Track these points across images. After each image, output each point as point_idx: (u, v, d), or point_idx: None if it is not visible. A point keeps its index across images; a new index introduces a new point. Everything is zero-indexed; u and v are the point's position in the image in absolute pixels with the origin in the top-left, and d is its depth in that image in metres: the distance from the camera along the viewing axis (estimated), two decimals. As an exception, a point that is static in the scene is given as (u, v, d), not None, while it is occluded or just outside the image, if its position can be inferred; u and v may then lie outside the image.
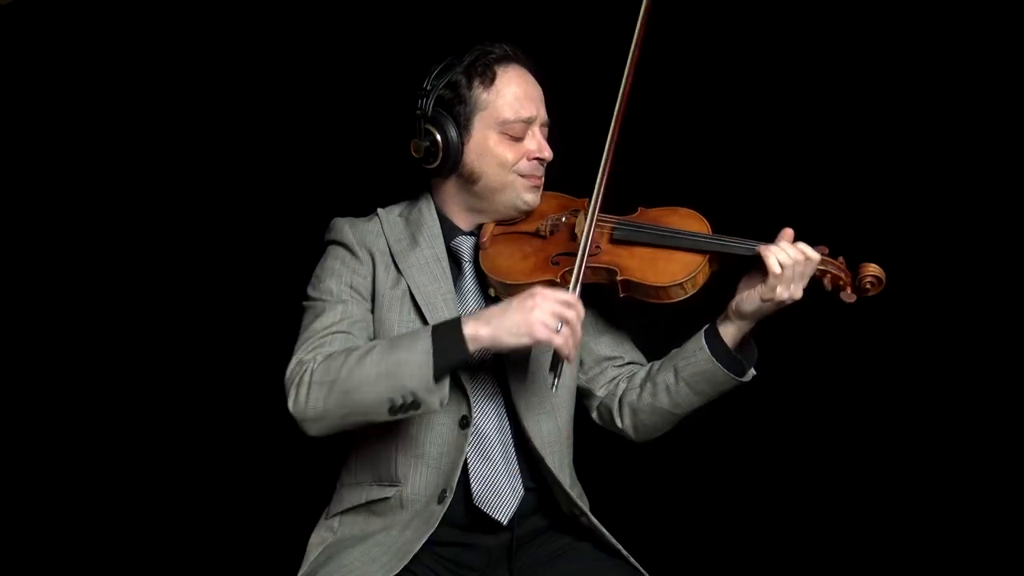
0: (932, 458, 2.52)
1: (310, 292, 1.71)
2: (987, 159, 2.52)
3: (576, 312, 1.52)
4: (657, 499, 2.58)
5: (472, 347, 1.51)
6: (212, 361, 2.59)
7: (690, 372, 1.69)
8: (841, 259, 1.65)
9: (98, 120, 2.57)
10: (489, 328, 1.51)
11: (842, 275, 1.62)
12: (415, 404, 1.52)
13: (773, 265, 1.59)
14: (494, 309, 1.54)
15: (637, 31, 1.68)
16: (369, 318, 1.69)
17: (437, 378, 1.51)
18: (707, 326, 1.70)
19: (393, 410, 1.52)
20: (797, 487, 2.58)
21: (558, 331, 1.50)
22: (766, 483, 2.60)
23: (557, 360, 1.57)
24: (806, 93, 2.60)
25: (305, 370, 1.56)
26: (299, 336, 1.66)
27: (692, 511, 2.60)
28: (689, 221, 1.72)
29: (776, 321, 1.69)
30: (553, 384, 1.57)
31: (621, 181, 1.73)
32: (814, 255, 1.60)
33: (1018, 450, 2.47)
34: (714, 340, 1.68)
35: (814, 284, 1.63)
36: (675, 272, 1.65)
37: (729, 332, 1.68)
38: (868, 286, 1.62)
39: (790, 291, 1.60)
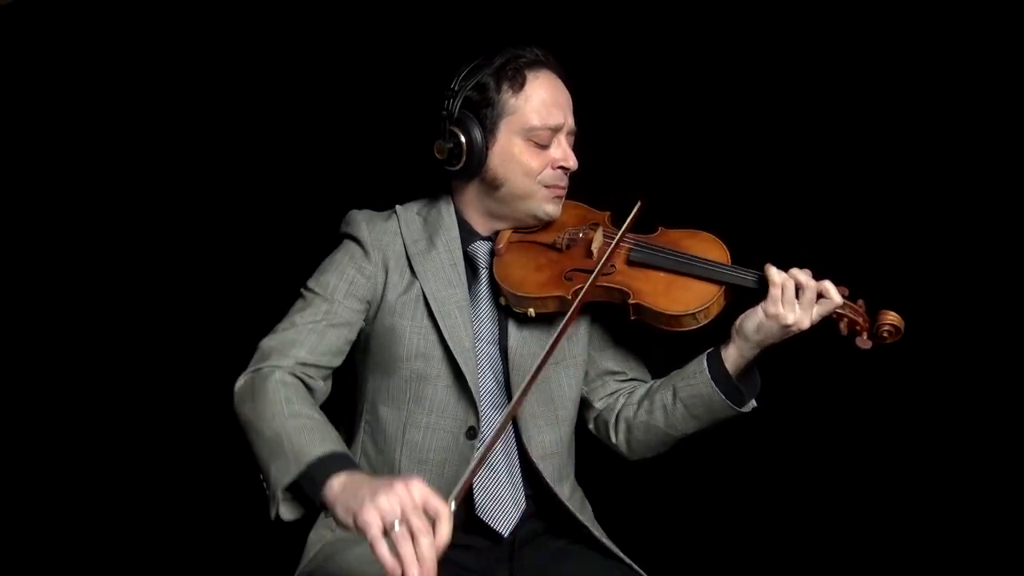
0: (931, 488, 2.49)
1: (309, 282, 1.69)
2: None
3: (433, 530, 1.22)
4: (659, 505, 2.58)
5: (322, 497, 1.34)
6: (216, 356, 2.51)
7: (688, 394, 1.67)
8: (861, 302, 1.61)
9: (100, 120, 2.51)
10: (338, 492, 1.32)
11: (860, 320, 1.58)
12: (266, 489, 1.43)
13: (772, 274, 1.57)
14: (365, 478, 1.33)
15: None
16: (356, 322, 1.67)
17: (290, 490, 1.39)
18: (711, 349, 1.67)
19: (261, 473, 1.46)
20: (800, 501, 2.56)
21: (393, 529, 1.22)
22: (769, 495, 2.59)
23: None
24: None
25: (265, 374, 1.55)
26: (284, 317, 1.66)
27: (694, 518, 2.58)
28: (709, 247, 1.69)
29: (785, 355, 1.66)
30: None
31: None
32: (811, 281, 1.56)
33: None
34: (716, 364, 1.65)
35: (829, 328, 1.60)
36: (689, 301, 1.62)
37: (731, 356, 1.64)
38: (885, 334, 1.58)
39: (795, 314, 1.55)
